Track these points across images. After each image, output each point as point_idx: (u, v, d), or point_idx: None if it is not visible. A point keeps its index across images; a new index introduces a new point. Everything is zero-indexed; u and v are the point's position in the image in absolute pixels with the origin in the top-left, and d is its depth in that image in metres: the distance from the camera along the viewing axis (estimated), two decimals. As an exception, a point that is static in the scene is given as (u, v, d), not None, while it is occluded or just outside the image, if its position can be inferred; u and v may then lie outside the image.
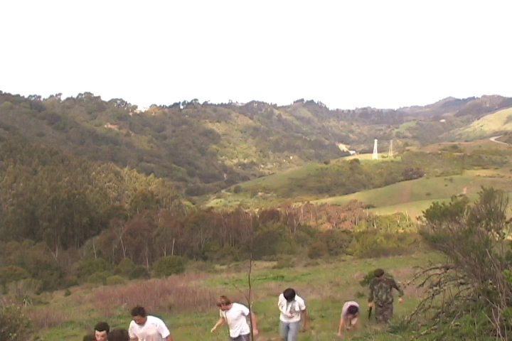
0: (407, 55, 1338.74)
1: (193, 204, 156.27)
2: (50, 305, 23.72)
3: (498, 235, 6.64)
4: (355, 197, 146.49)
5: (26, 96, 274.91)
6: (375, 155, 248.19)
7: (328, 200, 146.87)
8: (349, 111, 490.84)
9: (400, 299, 10.38)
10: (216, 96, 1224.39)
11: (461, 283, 6.49)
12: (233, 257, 64.35)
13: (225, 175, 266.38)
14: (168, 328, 6.96)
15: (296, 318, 8.78)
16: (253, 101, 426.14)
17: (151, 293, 18.45)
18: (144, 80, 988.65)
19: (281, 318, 8.99)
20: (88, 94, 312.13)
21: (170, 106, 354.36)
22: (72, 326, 15.58)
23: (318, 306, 14.11)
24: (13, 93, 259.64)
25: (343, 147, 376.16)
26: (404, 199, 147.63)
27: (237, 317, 7.90)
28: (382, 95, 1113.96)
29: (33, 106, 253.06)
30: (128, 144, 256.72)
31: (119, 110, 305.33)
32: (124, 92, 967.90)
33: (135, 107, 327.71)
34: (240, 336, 8.00)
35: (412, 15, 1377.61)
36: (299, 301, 8.63)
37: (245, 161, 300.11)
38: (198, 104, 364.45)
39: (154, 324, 6.68)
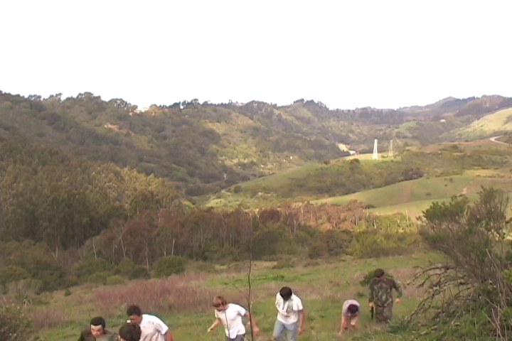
0: (407, 55, 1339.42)
1: (193, 204, 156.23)
2: (50, 305, 23.70)
3: (498, 235, 6.64)
4: (355, 197, 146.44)
5: (26, 96, 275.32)
6: (375, 155, 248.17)
7: (328, 200, 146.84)
8: (349, 111, 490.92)
9: (398, 299, 10.34)
10: (216, 96, 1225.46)
11: (461, 283, 6.49)
12: (233, 257, 64.34)
13: (225, 175, 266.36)
14: (168, 327, 6.96)
15: (294, 319, 8.64)
16: (253, 101, 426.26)
17: (151, 293, 18.41)
18: (144, 80, 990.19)
19: (278, 318, 8.86)
20: (88, 94, 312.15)
21: (170, 106, 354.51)
22: (72, 326, 15.57)
23: (318, 306, 14.09)
24: (13, 93, 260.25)
25: (343, 147, 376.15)
26: (404, 199, 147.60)
27: (233, 318, 7.89)
28: (382, 95, 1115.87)
29: (33, 106, 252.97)
30: (128, 144, 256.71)
31: (119, 110, 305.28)
32: (124, 92, 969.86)
33: (135, 107, 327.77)
34: (237, 336, 8.00)
35: (412, 15, 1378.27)
36: (295, 300, 8.52)
37: (245, 161, 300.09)
38: (198, 104, 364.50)
39: (151, 322, 6.66)
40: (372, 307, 10.48)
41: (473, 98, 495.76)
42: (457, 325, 5.42)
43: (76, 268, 61.39)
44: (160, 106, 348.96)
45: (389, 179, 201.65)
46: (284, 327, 8.75)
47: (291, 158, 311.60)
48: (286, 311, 8.55)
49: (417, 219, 54.55)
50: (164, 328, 6.76)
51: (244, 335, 8.00)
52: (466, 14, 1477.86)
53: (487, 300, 5.43)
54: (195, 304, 16.48)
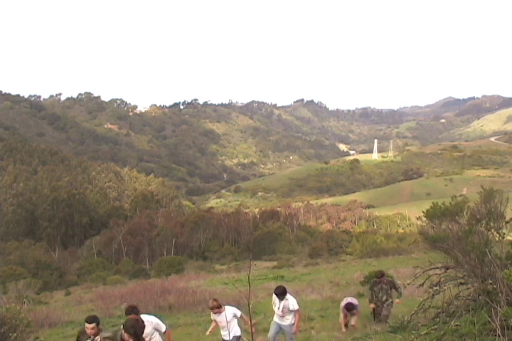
0: (407, 55, 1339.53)
1: (193, 204, 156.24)
2: (50, 305, 23.71)
3: (498, 235, 6.64)
4: (355, 197, 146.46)
5: (26, 96, 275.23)
6: (375, 155, 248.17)
7: (328, 200, 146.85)
8: (349, 111, 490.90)
9: (397, 300, 10.36)
10: (216, 96, 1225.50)
11: (461, 283, 6.49)
12: (233, 257, 64.35)
13: (225, 175, 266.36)
14: (169, 328, 6.99)
15: (290, 319, 8.53)
16: (253, 101, 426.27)
17: (151, 293, 18.42)
18: (144, 80, 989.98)
19: (275, 318, 8.75)
20: (88, 94, 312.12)
21: (170, 106, 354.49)
22: (72, 326, 15.57)
23: (318, 306, 14.08)
24: (13, 93, 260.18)
25: (343, 147, 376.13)
26: (404, 199, 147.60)
27: (229, 320, 7.90)
28: (382, 95, 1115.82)
29: (33, 106, 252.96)
30: (128, 144, 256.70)
31: (119, 110, 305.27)
32: (124, 92, 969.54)
33: (135, 107, 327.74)
34: (233, 337, 8.00)
35: (412, 15, 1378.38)
36: (291, 300, 8.43)
37: (245, 161, 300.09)
38: (198, 104, 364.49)
39: (149, 321, 6.69)
40: (373, 309, 10.49)
41: (473, 98, 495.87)
42: (457, 325, 5.42)
43: (76, 268, 61.41)
44: (160, 106, 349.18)
45: (389, 179, 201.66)
46: (280, 328, 8.64)
47: (291, 158, 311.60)
48: (282, 311, 8.45)
49: (417, 219, 54.53)
50: (163, 327, 6.82)
51: (240, 337, 8.02)
52: (465, 14, 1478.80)
53: (487, 300, 5.43)
54: (195, 304, 16.49)
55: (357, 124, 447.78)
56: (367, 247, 53.07)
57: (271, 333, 8.72)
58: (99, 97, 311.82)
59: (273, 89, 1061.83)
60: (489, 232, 6.64)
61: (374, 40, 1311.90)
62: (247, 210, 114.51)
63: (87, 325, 6.26)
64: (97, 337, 6.19)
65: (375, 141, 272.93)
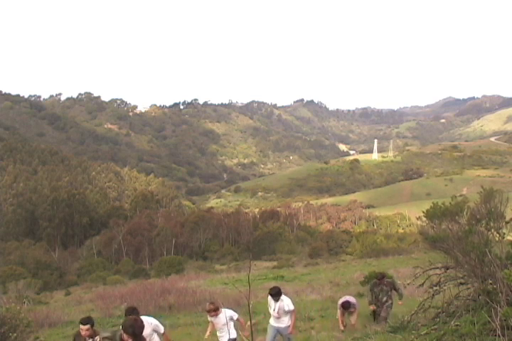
0: (407, 55, 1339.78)
1: (193, 204, 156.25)
2: (50, 305, 23.70)
3: (498, 235, 6.63)
4: (355, 197, 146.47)
5: (26, 96, 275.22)
6: (375, 155, 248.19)
7: (328, 200, 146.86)
8: (349, 111, 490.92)
9: (400, 302, 10.41)
10: (216, 96, 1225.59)
11: (461, 283, 6.49)
12: (233, 257, 64.37)
13: (225, 175, 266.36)
14: (168, 328, 7.01)
15: (287, 322, 8.38)
16: (253, 101, 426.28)
17: (151, 293, 18.42)
18: (144, 80, 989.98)
19: (271, 321, 8.57)
20: (88, 94, 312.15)
21: (170, 106, 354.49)
22: (72, 326, 15.56)
23: (318, 306, 14.08)
24: (13, 93, 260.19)
25: (343, 147, 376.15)
26: (404, 199, 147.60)
27: (226, 323, 7.90)
28: (382, 95, 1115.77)
29: (33, 106, 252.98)
30: (128, 144, 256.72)
31: (119, 110, 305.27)
32: (124, 92, 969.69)
33: (135, 107, 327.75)
34: (228, 340, 8.00)
35: (412, 15, 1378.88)
36: (286, 301, 8.30)
37: (245, 161, 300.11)
38: (198, 104, 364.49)
39: (149, 322, 6.68)
40: (374, 311, 10.47)
41: (473, 98, 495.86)
42: (457, 325, 5.42)
43: (76, 268, 61.43)
44: (160, 106, 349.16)
45: (389, 179, 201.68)
46: (277, 331, 8.46)
47: (291, 158, 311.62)
48: (278, 313, 8.33)
49: (417, 219, 54.63)
50: (162, 328, 6.83)
51: (235, 339, 8.00)
52: (465, 14, 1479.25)
53: (487, 300, 5.43)
54: (195, 304, 16.49)
55: (357, 124, 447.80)
56: (367, 247, 53.10)
57: (269, 338, 8.52)
58: (99, 97, 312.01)
59: (273, 89, 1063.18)
60: (489, 232, 6.64)
61: (374, 40, 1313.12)
62: (247, 210, 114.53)
63: (81, 326, 6.24)
64: (96, 337, 6.20)
65: (375, 141, 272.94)
